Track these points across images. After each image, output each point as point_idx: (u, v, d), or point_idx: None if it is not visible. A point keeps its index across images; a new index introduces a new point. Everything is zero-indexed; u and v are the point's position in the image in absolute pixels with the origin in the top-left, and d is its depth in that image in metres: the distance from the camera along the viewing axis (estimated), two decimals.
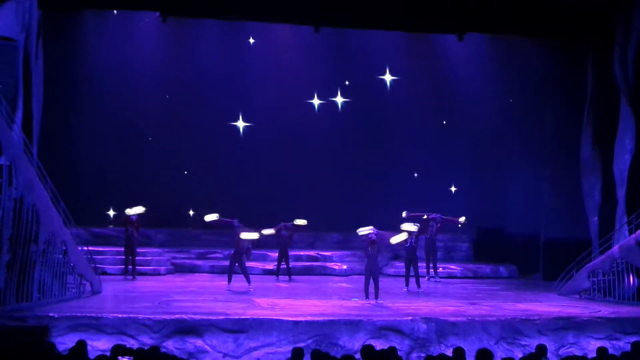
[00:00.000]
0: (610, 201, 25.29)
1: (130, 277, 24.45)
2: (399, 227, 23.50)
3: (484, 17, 25.38)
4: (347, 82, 31.64)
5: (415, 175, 31.69)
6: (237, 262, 23.03)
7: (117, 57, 29.38)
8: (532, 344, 17.52)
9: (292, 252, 26.40)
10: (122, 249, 25.13)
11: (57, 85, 26.52)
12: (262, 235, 24.22)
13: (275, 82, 30.48)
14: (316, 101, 31.54)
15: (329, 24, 26.49)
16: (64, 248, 19.91)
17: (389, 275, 27.16)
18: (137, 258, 24.90)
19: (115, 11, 28.84)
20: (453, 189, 31.55)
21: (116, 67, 29.35)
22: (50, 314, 17.18)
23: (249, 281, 23.04)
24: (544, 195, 28.52)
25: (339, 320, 17.86)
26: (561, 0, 24.52)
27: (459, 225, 27.50)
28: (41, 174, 19.76)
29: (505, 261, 28.95)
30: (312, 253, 28.84)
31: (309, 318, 17.86)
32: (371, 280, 21.10)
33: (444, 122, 31.72)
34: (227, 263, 26.36)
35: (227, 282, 23.26)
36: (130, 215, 24.69)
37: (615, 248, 22.81)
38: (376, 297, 20.96)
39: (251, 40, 30.93)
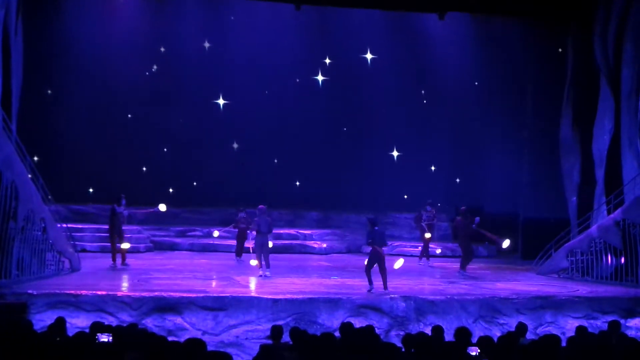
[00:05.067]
0: (589, 181, 25.40)
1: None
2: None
3: None
4: (327, 60, 31.57)
5: (395, 154, 31.73)
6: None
7: (97, 33, 29.16)
8: (510, 322, 17.66)
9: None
10: (102, 226, 25.03)
11: (36, 61, 26.33)
12: None
13: (256, 60, 30.36)
14: (297, 79, 31.47)
15: (310, 1, 26.38)
16: (43, 225, 19.80)
17: (366, 254, 27.11)
18: None
19: None
20: (433, 168, 31.57)
21: (96, 44, 29.14)
22: (29, 291, 17.12)
23: (268, 266, 21.49)
24: (523, 175, 28.63)
25: (318, 298, 17.89)
26: None
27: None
28: (20, 150, 19.63)
29: (484, 240, 28.99)
30: (292, 231, 28.85)
31: (288, 296, 17.88)
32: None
33: (424, 102, 31.73)
34: (206, 241, 26.54)
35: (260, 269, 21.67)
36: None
37: (594, 228, 22.92)
38: (385, 287, 19.13)
39: (232, 18, 30.75)
